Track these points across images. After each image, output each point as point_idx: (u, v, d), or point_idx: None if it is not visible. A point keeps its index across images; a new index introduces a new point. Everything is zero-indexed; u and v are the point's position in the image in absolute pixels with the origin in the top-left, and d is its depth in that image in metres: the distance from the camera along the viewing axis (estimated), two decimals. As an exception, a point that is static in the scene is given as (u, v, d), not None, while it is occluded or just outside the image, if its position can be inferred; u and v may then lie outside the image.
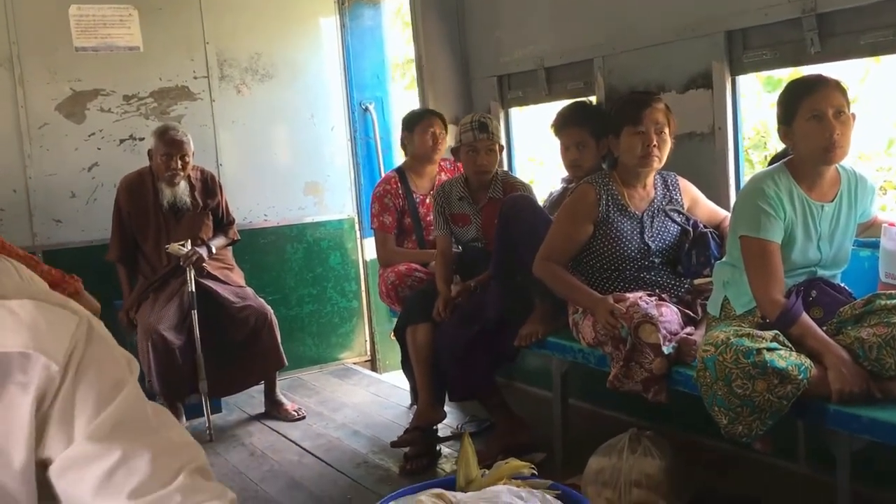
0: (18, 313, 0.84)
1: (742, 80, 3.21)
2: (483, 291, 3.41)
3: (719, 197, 3.17)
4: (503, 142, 3.61)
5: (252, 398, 4.47)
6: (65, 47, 4.37)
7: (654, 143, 2.85)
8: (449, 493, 1.98)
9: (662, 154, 2.89)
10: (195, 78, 4.73)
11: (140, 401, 0.87)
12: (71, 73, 4.42)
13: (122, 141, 4.56)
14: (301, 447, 3.82)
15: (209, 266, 4.13)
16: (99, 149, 4.51)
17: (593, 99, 3.66)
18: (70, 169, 4.44)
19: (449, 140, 4.08)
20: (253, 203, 4.91)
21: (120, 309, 4.17)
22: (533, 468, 2.17)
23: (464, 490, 2.11)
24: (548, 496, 2.00)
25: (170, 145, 4.03)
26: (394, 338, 3.77)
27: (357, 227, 5.23)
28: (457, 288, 3.52)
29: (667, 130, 2.88)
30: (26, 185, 4.36)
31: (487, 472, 2.18)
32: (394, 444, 3.53)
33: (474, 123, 3.53)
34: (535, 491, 2.01)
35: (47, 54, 4.36)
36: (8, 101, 4.30)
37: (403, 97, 5.59)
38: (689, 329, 2.78)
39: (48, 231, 4.43)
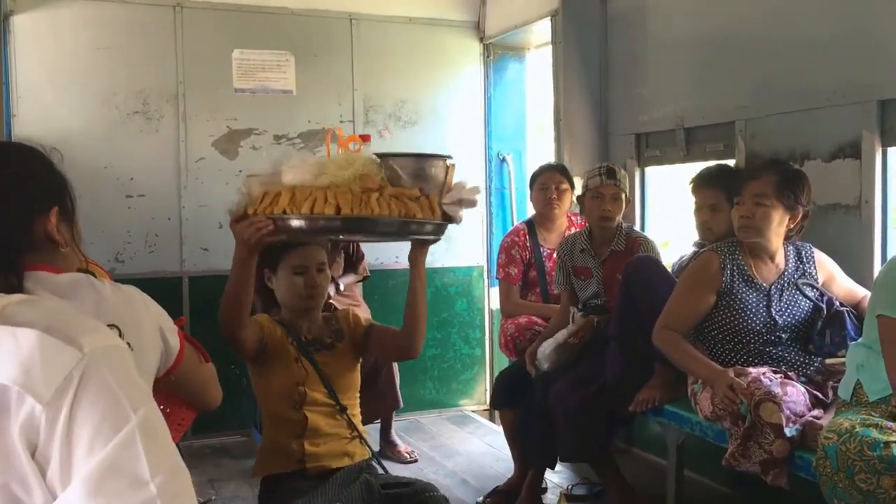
0: (20, 343, 0.81)
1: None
2: (601, 353, 3.33)
3: (862, 274, 2.98)
4: (629, 194, 3.61)
5: (367, 435, 4.51)
6: (225, 88, 4.67)
7: (749, 213, 2.74)
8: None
9: (762, 227, 2.76)
10: (341, 122, 4.92)
11: (133, 444, 0.80)
12: (228, 113, 4.71)
13: (269, 178, 4.80)
14: (409, 491, 3.83)
15: (336, 303, 4.25)
16: (247, 184, 4.76)
17: (732, 163, 3.55)
18: (220, 201, 4.67)
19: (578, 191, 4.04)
20: (385, 244, 5.02)
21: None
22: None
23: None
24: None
25: None
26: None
27: (485, 275, 5.26)
28: (579, 323, 3.43)
29: (770, 202, 2.75)
30: (180, 214, 4.67)
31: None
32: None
33: (602, 169, 3.53)
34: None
35: (209, 94, 4.67)
36: (172, 136, 4.64)
37: (542, 150, 5.60)
38: (816, 412, 2.61)
39: (195, 258, 4.70)
